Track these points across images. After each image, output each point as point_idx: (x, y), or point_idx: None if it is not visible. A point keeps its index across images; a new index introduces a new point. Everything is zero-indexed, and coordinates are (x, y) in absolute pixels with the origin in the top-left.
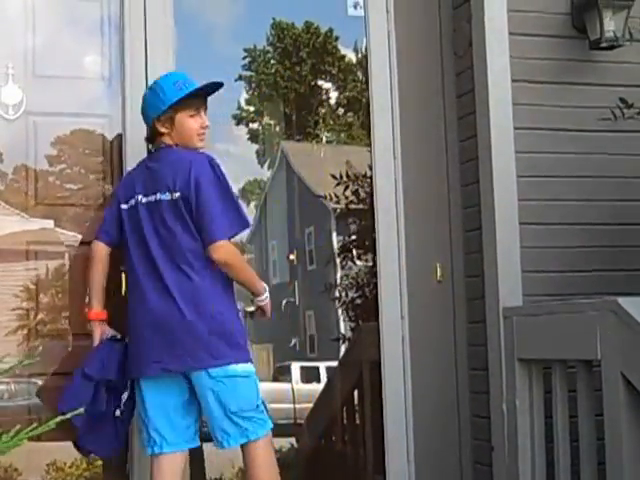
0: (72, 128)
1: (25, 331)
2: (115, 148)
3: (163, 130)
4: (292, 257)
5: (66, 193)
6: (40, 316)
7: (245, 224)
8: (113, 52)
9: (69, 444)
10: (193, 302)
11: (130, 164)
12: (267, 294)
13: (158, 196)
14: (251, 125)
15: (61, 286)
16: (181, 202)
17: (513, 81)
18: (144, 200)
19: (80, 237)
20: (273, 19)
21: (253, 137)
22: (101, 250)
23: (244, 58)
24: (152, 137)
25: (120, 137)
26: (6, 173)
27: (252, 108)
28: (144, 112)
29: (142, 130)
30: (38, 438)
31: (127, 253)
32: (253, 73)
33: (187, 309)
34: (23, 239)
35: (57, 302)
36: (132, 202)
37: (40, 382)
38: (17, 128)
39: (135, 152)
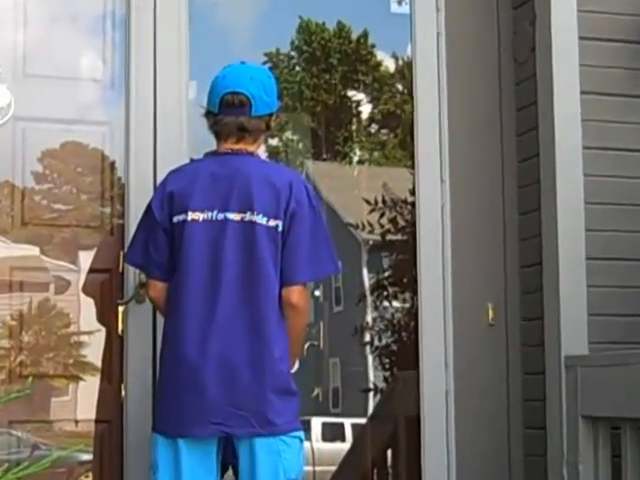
0: (67, 136)
1: (3, 374)
2: (116, 161)
3: (262, 128)
4: (317, 294)
5: (55, 214)
6: (21, 356)
7: (334, 268)
8: (117, 51)
9: None
10: (265, 348)
11: (134, 178)
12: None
13: (251, 217)
14: (271, 141)
15: (45, 322)
16: (277, 230)
17: (582, 93)
18: (234, 218)
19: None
20: (300, 18)
21: (273, 155)
22: (164, 290)
23: (265, 63)
24: (238, 134)
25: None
26: None
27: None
28: (261, 98)
29: (149, 139)
30: None
31: (182, 274)
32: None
33: (259, 355)
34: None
35: (41, 340)
36: (208, 216)
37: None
38: (3, 135)
39: (140, 164)
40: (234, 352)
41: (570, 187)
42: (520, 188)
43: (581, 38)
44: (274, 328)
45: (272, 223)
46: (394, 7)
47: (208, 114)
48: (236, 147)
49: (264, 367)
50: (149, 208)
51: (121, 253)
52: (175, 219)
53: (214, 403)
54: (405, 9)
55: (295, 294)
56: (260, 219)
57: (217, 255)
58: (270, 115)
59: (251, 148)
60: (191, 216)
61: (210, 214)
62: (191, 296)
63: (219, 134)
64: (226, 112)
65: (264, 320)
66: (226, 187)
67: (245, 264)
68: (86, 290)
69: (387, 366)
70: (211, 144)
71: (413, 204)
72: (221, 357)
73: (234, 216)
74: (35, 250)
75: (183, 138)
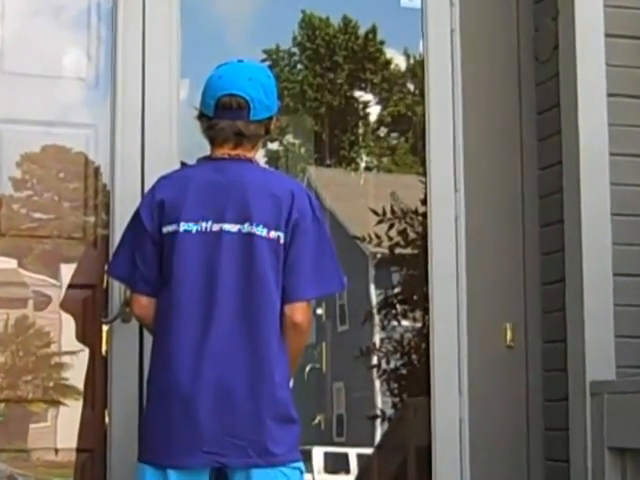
0: (48, 139)
1: None
2: (101, 166)
3: (261, 133)
4: (319, 312)
5: (34, 224)
6: None
7: (340, 285)
8: (102, 47)
9: None
10: (265, 371)
11: (120, 185)
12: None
13: (249, 228)
14: (270, 145)
15: (23, 342)
16: (279, 243)
17: (609, 95)
18: (231, 229)
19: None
20: (302, 12)
21: (272, 160)
22: (150, 307)
23: (263, 61)
24: (235, 140)
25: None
26: None
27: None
28: (260, 101)
29: (136, 143)
30: None
31: (172, 291)
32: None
33: (257, 379)
34: None
35: (18, 361)
36: (202, 227)
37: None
38: None
39: (127, 170)
40: (230, 375)
41: (596, 197)
42: (541, 198)
43: (608, 35)
44: (275, 349)
45: (273, 235)
46: (404, 1)
47: (202, 117)
48: (233, 153)
49: (263, 392)
50: (137, 216)
51: (105, 267)
52: (165, 230)
53: (207, 431)
54: (416, 3)
55: (299, 312)
56: (260, 230)
57: (212, 269)
58: (270, 118)
59: (249, 154)
60: (183, 227)
61: (204, 225)
62: (183, 314)
63: (214, 139)
64: (222, 115)
65: (264, 340)
66: (222, 196)
67: (243, 279)
68: (66, 307)
69: (396, 391)
70: (204, 149)
71: (425, 215)
72: (216, 381)
73: (231, 227)
74: (13, 263)
75: (173, 142)
